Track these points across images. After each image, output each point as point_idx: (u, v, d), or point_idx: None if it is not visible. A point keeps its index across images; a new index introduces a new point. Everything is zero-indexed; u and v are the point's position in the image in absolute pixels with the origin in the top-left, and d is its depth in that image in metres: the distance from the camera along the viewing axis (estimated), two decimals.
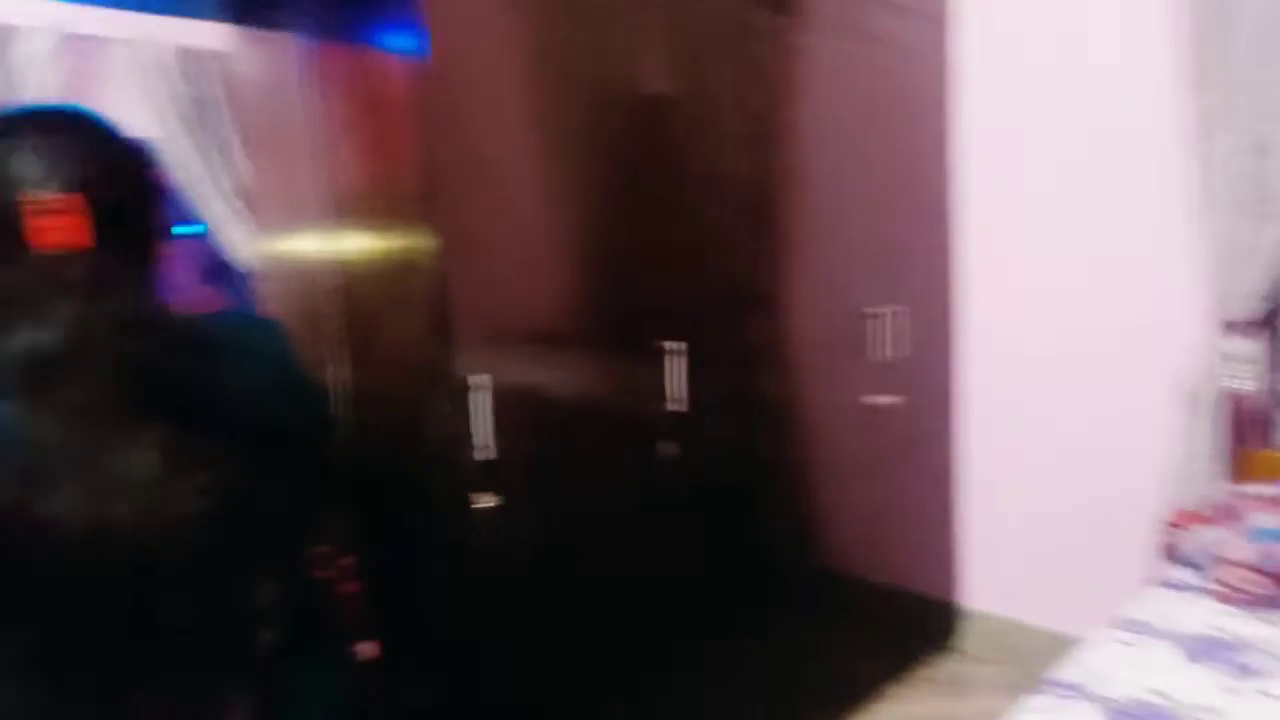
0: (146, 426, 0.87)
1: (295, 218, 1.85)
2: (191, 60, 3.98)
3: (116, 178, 0.93)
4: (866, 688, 2.43)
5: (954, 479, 2.67)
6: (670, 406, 1.91)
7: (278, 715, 1.01)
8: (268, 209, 1.98)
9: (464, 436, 1.55)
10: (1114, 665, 1.45)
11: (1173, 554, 1.84)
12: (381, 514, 1.79)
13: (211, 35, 2.45)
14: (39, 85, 3.96)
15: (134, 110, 4.08)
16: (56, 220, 0.86)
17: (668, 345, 1.88)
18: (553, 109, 1.67)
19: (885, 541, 2.51)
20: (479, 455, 1.57)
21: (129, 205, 0.94)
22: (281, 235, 1.92)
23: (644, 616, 1.88)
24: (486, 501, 1.60)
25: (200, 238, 2.02)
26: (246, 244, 2.03)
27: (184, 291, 1.13)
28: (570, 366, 1.74)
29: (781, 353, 2.17)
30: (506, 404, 1.61)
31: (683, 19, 1.86)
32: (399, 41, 1.52)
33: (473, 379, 1.54)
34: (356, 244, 1.71)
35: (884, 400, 2.41)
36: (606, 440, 1.82)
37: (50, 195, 0.86)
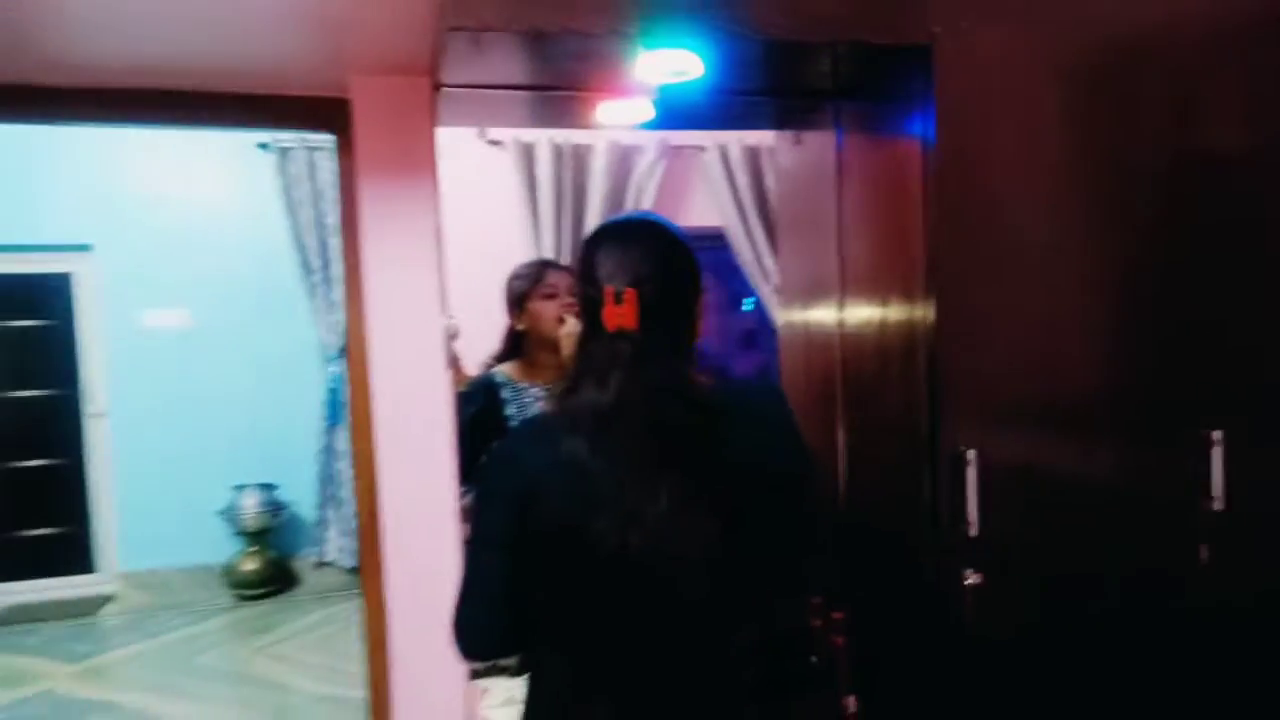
0: (664, 473, 1.09)
1: (815, 292, 2.06)
2: (753, 157, 4.60)
3: (663, 278, 1.17)
4: None
5: None
6: (1212, 504, 1.66)
7: None
8: (793, 284, 2.22)
9: (949, 509, 1.57)
10: None
11: None
12: (869, 574, 1.86)
13: (768, 137, 2.83)
14: (648, 187, 4.94)
15: (711, 200, 4.85)
16: (618, 309, 1.13)
17: (1209, 434, 1.66)
18: (1076, 181, 1.62)
19: None
20: (963, 530, 1.56)
21: (669, 299, 1.18)
22: (802, 307, 2.14)
23: None
24: (972, 578, 1.58)
25: (748, 311, 2.32)
26: (777, 315, 2.30)
27: (710, 362, 1.37)
28: (1076, 448, 1.64)
29: None
30: (998, 481, 1.58)
31: (1264, 63, 1.65)
32: (913, 130, 1.63)
33: (962, 452, 1.55)
34: (863, 316, 1.84)
35: None
36: (1118, 532, 1.65)
37: (616, 289, 1.13)
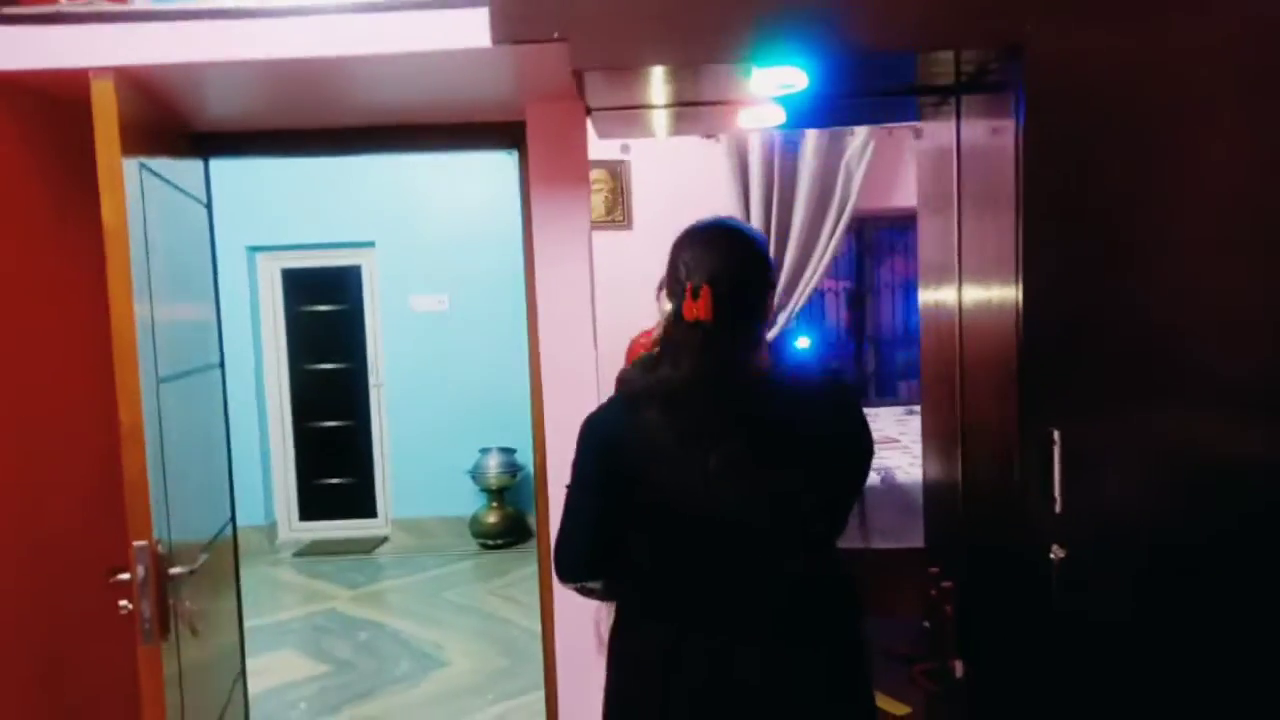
0: (722, 441, 1.33)
1: (942, 274, 2.15)
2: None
3: (735, 277, 1.40)
4: None
5: None
6: None
7: (790, 656, 1.37)
8: (928, 266, 2.31)
9: (1036, 486, 1.64)
10: None
11: None
12: (979, 547, 1.95)
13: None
14: (858, 168, 5.01)
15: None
16: (695, 303, 1.37)
17: None
18: (1174, 175, 1.62)
19: None
20: (1050, 506, 1.63)
21: (740, 295, 1.40)
22: (935, 289, 2.23)
23: None
24: (1057, 552, 1.64)
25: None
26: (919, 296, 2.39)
27: (779, 351, 1.57)
28: (1173, 428, 1.64)
29: None
30: (1086, 459, 1.62)
31: None
32: (1011, 116, 1.70)
33: (1048, 432, 1.62)
34: (974, 299, 1.92)
35: None
36: (1217, 512, 1.63)
37: (694, 285, 1.37)
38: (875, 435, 4.40)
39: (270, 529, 5.93)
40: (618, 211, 5.15)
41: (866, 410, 5.17)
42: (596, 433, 1.48)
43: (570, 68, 1.71)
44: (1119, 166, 1.63)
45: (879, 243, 5.91)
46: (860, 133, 4.93)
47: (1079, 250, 1.64)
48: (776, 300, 4.88)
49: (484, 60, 1.90)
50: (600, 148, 4.54)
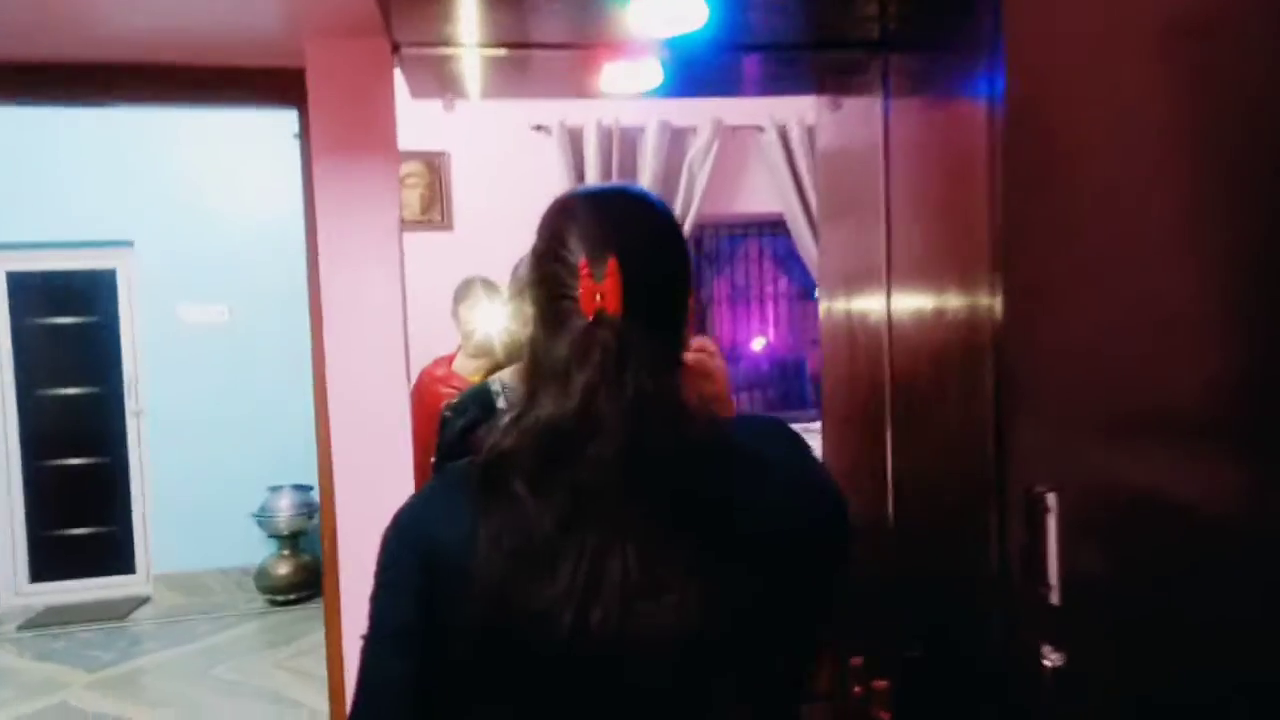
0: (639, 521, 0.78)
1: (860, 281, 1.72)
2: (814, 138, 4.24)
3: (654, 252, 0.89)
4: None
5: None
6: None
7: None
8: (836, 272, 1.88)
9: (1021, 567, 1.21)
10: None
11: None
12: (924, 635, 1.52)
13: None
14: (702, 170, 4.62)
15: (770, 183, 4.52)
16: (597, 285, 0.81)
17: None
18: (1186, 146, 1.24)
19: None
20: (1042, 595, 1.20)
21: (662, 282, 0.88)
22: (845, 299, 1.80)
23: None
24: (1052, 658, 1.22)
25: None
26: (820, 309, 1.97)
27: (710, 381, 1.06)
28: (1201, 485, 1.26)
29: None
30: (1089, 530, 1.21)
31: None
32: (977, 86, 1.28)
33: (1039, 494, 1.19)
34: (915, 309, 1.49)
35: None
36: (1260, 596, 1.27)
37: (595, 260, 0.83)
38: None
39: None
40: (435, 210, 4.48)
41: None
42: (414, 545, 0.89)
43: None
44: (1109, 143, 1.24)
45: (719, 252, 5.58)
46: (704, 131, 4.59)
47: (1068, 248, 1.23)
48: None
49: None
50: (411, 133, 3.86)
